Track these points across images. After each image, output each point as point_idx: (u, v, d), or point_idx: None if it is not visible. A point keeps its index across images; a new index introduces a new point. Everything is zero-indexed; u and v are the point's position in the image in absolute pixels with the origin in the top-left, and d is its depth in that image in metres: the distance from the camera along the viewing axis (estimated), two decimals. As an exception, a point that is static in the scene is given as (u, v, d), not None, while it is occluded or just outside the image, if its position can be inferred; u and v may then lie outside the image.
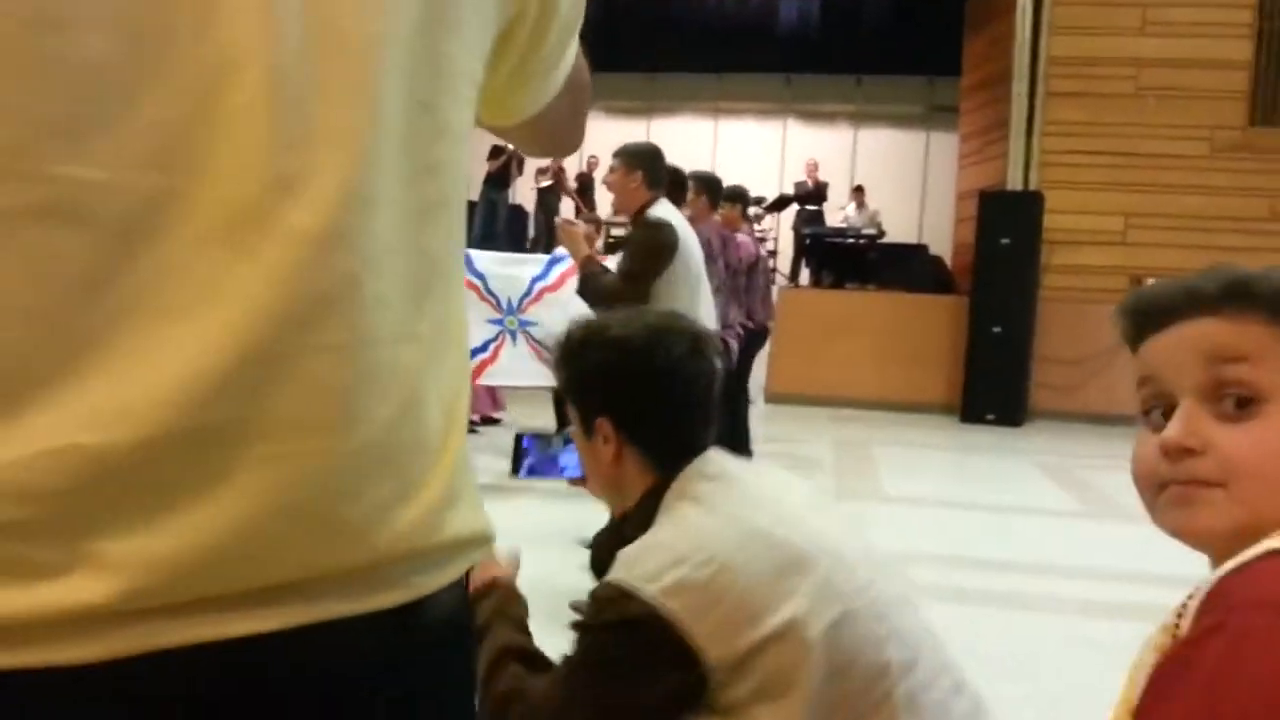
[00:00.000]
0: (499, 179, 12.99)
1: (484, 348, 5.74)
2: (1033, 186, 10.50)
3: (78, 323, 0.53)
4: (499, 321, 5.79)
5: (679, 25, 13.86)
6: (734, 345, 4.92)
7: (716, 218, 5.52)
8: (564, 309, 5.52)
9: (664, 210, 3.70)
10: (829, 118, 14.89)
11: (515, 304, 5.82)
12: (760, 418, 8.48)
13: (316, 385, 0.57)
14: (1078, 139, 10.47)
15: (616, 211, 4.10)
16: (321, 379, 0.58)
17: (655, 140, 14.55)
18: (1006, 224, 10.16)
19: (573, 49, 0.81)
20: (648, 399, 1.49)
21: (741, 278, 5.63)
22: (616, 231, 13.31)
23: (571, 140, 0.94)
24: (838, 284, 11.96)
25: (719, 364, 1.54)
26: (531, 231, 13.47)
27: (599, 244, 12.97)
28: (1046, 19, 10.47)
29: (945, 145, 13.38)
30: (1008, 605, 4.27)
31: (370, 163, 0.59)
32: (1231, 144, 10.23)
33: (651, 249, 3.61)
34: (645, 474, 1.50)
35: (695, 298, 3.67)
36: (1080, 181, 10.43)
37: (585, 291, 3.73)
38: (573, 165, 14.08)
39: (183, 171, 0.54)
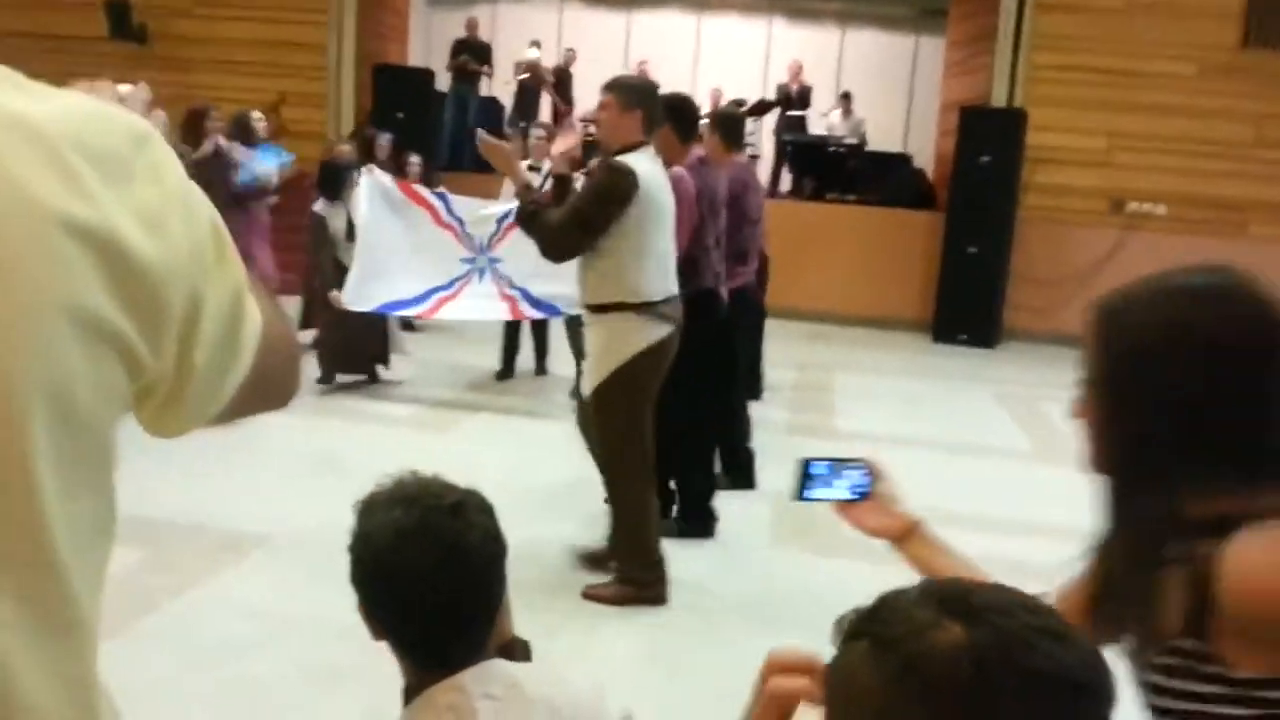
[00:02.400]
0: (464, 75, 12.59)
1: (449, 285, 6.07)
2: (1017, 102, 10.18)
3: None
4: (471, 260, 6.10)
5: (664, -86, 13.29)
6: (724, 298, 4.63)
7: (743, 158, 5.22)
8: (528, 243, 5.84)
9: (639, 158, 3.45)
10: (815, 16, 14.32)
11: (486, 243, 6.15)
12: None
13: None
14: (1066, 54, 10.12)
15: (603, 146, 3.85)
16: None
17: (635, 37, 14.08)
18: (987, 141, 9.89)
19: (237, 370, 0.81)
20: (379, 604, 1.30)
21: (752, 226, 5.30)
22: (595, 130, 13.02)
23: (280, 401, 0.93)
24: (818, 193, 11.71)
25: (489, 560, 1.31)
26: (506, 128, 13.09)
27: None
28: (1040, -75, 10.02)
29: (934, 51, 12.93)
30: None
31: None
32: (1221, 66, 9.90)
33: (605, 194, 3.37)
34: (403, 663, 1.34)
35: (640, 258, 3.46)
36: (1066, 98, 10.12)
37: (527, 226, 3.55)
38: (550, 58, 13.64)
39: None
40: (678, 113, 4.59)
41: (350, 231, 6.10)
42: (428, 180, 8.66)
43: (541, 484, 4.78)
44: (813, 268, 10.70)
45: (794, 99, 12.64)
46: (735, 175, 4.93)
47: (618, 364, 3.50)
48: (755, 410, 6.40)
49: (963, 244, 10.00)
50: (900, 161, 12.27)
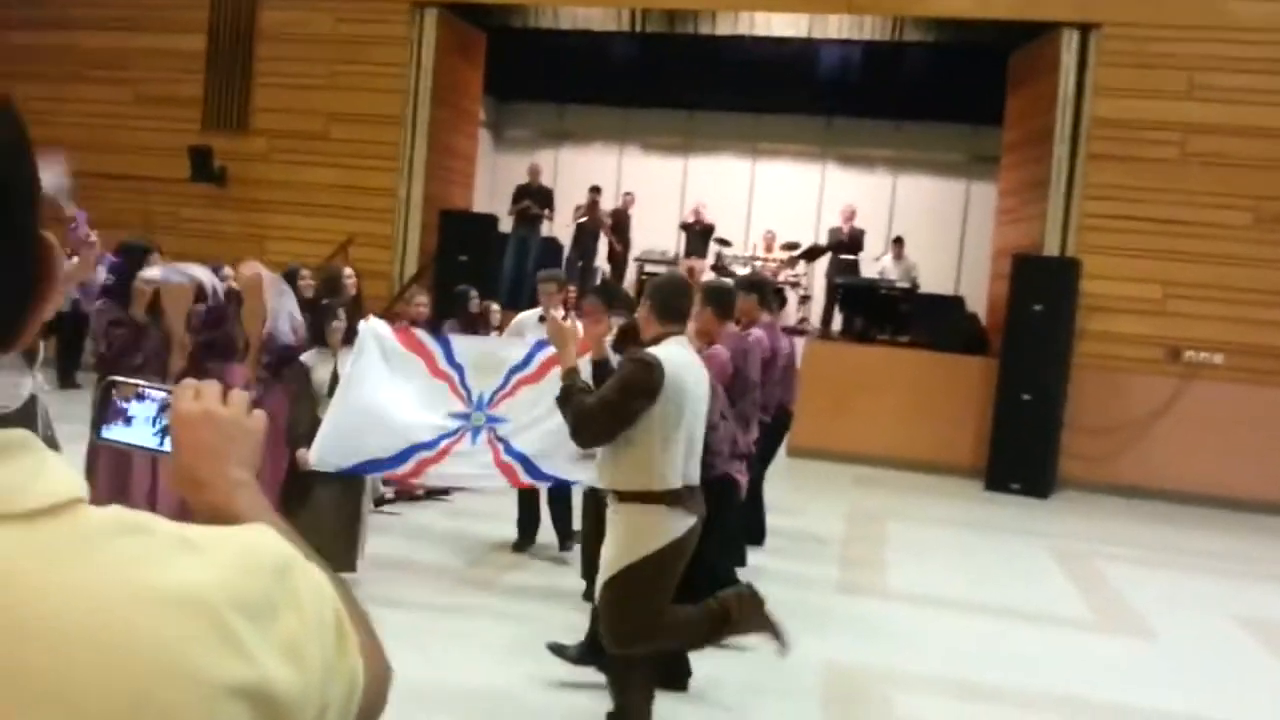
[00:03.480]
0: (525, 218, 13.02)
1: (433, 444, 5.15)
2: (1070, 250, 10.27)
3: None
4: (464, 416, 5.21)
5: (720, 64, 13.76)
6: (742, 481, 4.66)
7: (732, 327, 5.28)
8: (539, 403, 5.06)
9: (668, 349, 3.52)
10: (868, 162, 14.65)
11: (487, 399, 5.23)
12: (781, 475, 8.29)
13: None
14: (1118, 203, 10.23)
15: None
16: None
17: (693, 179, 14.46)
18: (1040, 289, 9.95)
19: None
20: None
21: (755, 389, 5.41)
22: (651, 269, 13.28)
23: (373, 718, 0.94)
24: (869, 335, 11.80)
25: None
26: (563, 267, 13.43)
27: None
28: (1090, 79, 10.25)
29: (986, 196, 13.12)
30: (991, 746, 4.13)
31: None
32: (1275, 214, 9.93)
33: (631, 387, 3.44)
34: None
35: (667, 446, 3.48)
36: (1119, 247, 10.19)
37: (563, 404, 3.62)
38: (609, 201, 14.05)
39: None
40: (714, 296, 4.89)
41: (333, 386, 5.32)
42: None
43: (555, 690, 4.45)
44: (863, 410, 10.72)
45: (846, 243, 12.85)
46: (733, 346, 5.05)
47: (639, 557, 3.45)
48: (802, 569, 6.41)
49: (1016, 391, 9.97)
50: (953, 305, 12.35)
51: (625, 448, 3.48)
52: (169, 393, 1.05)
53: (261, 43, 12.54)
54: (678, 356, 3.54)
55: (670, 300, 3.64)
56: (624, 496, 3.52)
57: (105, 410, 1.05)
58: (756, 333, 5.73)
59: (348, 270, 7.66)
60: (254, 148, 12.58)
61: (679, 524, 3.48)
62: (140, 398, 1.06)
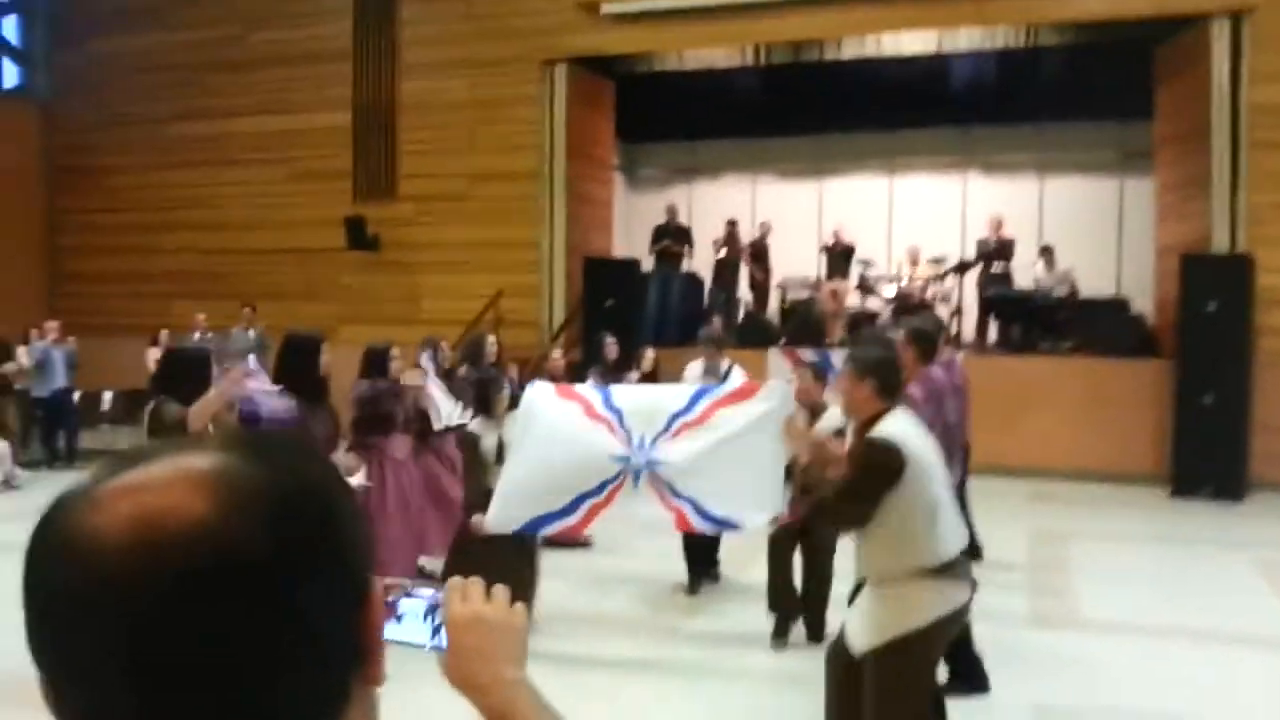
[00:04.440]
0: (665, 258, 13.18)
1: (599, 490, 5.06)
2: (1240, 245, 9.77)
3: None
4: (624, 459, 5.06)
5: (849, 87, 13.58)
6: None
7: (936, 370, 5.15)
8: (703, 444, 4.98)
9: (896, 425, 3.43)
10: (1012, 168, 14.20)
11: (649, 441, 5.08)
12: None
13: None
14: (1289, 190, 9.69)
15: (847, 414, 3.85)
16: None
17: (828, 203, 14.22)
18: (1212, 288, 9.50)
19: None
20: None
21: (950, 425, 5.30)
22: (793, 296, 13.19)
23: None
24: (1028, 345, 11.45)
25: None
26: (706, 302, 13.50)
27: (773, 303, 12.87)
28: (1245, 67, 9.76)
29: (1142, 191, 12.57)
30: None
31: None
32: None
33: (873, 472, 3.37)
34: None
35: (933, 518, 3.36)
36: (1294, 235, 9.64)
37: (817, 519, 3.55)
38: (746, 231, 14.03)
39: None
40: (918, 337, 5.06)
41: (500, 453, 5.49)
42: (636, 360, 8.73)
43: None
44: (1032, 422, 10.38)
45: (994, 253, 12.48)
46: (927, 385, 4.96)
47: (913, 629, 3.30)
48: (990, 600, 6.21)
49: (1197, 393, 9.52)
50: (1116, 307, 11.86)
51: (881, 529, 3.38)
52: (436, 592, 1.08)
53: (402, 114, 13.05)
54: (909, 430, 3.45)
55: (892, 378, 3.56)
56: (889, 577, 3.40)
57: None
58: (936, 371, 5.62)
59: (491, 338, 7.85)
60: (402, 213, 13.06)
61: (956, 595, 3.36)
62: (408, 595, 1.09)
